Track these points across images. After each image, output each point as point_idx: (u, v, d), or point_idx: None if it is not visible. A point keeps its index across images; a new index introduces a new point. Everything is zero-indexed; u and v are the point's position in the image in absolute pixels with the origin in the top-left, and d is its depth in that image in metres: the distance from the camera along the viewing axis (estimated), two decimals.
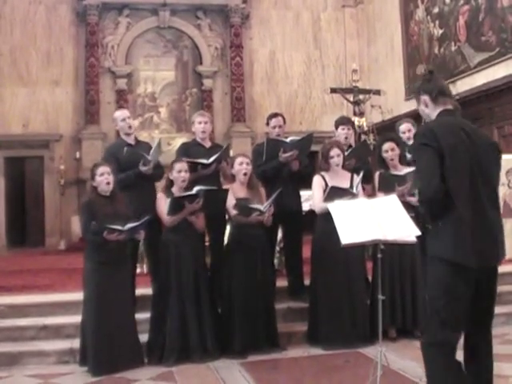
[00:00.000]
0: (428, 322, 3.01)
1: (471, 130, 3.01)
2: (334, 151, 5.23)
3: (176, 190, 5.09)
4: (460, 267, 2.82)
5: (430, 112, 3.08)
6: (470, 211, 2.84)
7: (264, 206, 4.98)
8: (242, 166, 5.19)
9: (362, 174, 5.16)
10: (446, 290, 2.86)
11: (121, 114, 5.73)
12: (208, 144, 5.71)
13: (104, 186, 4.85)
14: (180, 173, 5.07)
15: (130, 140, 5.64)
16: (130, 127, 5.62)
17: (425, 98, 3.08)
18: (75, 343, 4.92)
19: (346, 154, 5.57)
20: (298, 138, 5.64)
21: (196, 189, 4.91)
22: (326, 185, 5.13)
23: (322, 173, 5.27)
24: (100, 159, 12.06)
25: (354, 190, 5.02)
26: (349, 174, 5.31)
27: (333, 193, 4.93)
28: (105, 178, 4.84)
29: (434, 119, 3.06)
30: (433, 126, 2.99)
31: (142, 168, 5.32)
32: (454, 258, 2.83)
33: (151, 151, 5.41)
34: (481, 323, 3.05)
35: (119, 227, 4.66)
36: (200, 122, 5.65)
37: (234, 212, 5.02)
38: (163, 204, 5.00)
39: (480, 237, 2.85)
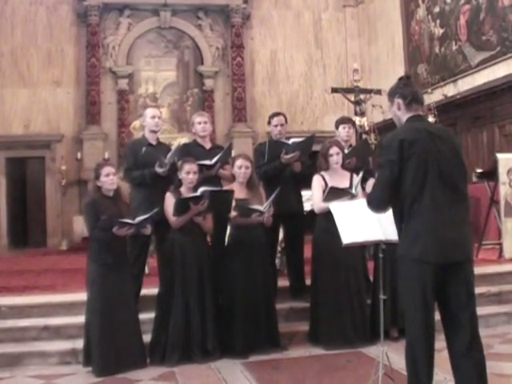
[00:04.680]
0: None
1: (437, 132, 3.14)
2: (334, 150, 5.23)
3: (184, 191, 5.07)
4: (419, 263, 2.98)
5: (402, 115, 3.23)
6: (429, 211, 2.98)
7: (264, 207, 4.96)
8: (240, 169, 5.17)
9: (361, 174, 5.15)
10: (411, 286, 3.02)
11: (152, 111, 5.74)
12: (208, 145, 5.71)
13: (108, 186, 4.87)
14: (188, 174, 5.04)
15: (153, 139, 5.63)
16: (156, 126, 5.62)
17: (399, 101, 3.22)
18: (77, 344, 4.92)
19: (346, 152, 5.57)
20: (299, 139, 5.63)
21: (200, 190, 4.89)
22: (326, 184, 5.12)
23: (322, 172, 5.26)
24: (102, 159, 12.13)
25: (353, 190, 5.01)
26: (348, 174, 5.31)
27: (332, 193, 4.93)
28: (110, 179, 4.85)
29: (403, 124, 3.21)
30: (397, 133, 3.14)
31: (158, 169, 5.33)
32: (412, 254, 2.99)
33: (169, 154, 5.40)
34: (456, 322, 3.11)
35: (130, 220, 4.69)
36: (200, 122, 5.65)
37: (233, 213, 5.00)
38: (170, 204, 4.99)
39: (439, 235, 2.98)
